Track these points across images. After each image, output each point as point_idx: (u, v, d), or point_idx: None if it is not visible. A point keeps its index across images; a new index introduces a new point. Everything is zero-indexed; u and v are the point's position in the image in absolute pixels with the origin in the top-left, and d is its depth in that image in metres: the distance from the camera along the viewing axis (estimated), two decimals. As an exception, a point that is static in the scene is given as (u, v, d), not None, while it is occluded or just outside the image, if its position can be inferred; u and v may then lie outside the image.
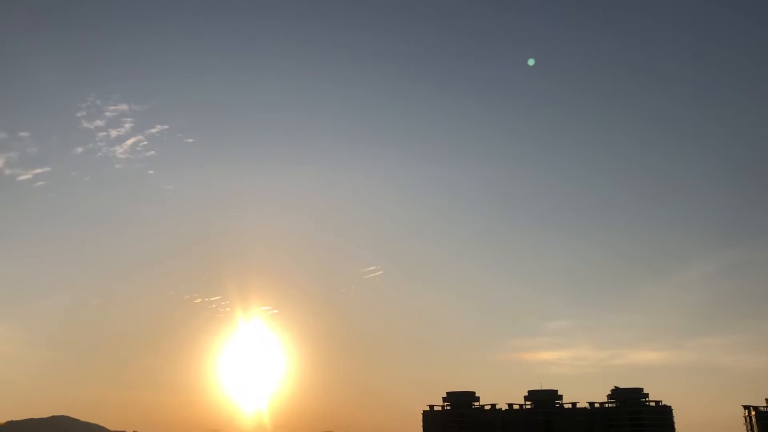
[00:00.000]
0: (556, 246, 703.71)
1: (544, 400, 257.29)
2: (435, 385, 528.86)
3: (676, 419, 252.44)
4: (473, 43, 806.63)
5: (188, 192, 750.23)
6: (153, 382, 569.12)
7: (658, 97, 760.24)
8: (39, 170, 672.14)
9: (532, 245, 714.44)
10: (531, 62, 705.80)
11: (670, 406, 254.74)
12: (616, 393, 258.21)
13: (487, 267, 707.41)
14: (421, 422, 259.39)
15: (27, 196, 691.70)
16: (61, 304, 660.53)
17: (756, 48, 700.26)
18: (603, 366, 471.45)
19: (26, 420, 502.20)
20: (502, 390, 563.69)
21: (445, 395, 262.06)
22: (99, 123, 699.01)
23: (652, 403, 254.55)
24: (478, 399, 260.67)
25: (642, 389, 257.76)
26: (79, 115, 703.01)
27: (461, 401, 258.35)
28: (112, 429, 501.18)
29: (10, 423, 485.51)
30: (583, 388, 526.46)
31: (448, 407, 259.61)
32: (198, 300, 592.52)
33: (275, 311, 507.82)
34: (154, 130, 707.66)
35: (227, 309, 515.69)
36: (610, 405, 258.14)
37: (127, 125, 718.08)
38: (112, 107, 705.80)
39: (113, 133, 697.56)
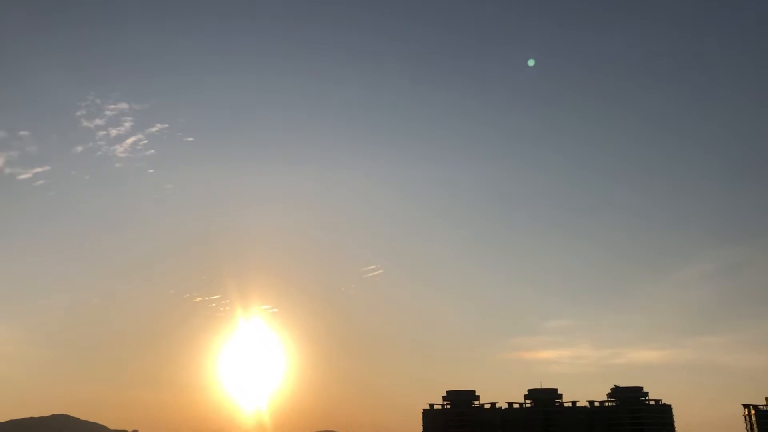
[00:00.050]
0: (556, 245, 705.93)
1: (544, 399, 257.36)
2: (435, 384, 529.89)
3: (675, 418, 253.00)
4: (473, 42, 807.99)
5: (188, 191, 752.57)
6: (153, 381, 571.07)
7: (658, 97, 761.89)
8: (39, 169, 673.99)
9: (532, 244, 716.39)
10: (531, 63, 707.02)
11: (669, 405, 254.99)
12: (616, 392, 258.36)
13: (487, 266, 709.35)
14: (421, 421, 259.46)
15: (27, 195, 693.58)
16: (62, 303, 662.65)
17: (756, 48, 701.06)
18: (603, 365, 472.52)
19: (26, 419, 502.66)
20: (502, 389, 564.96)
21: (445, 394, 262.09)
22: (99, 122, 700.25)
23: (652, 402, 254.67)
24: (478, 398, 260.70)
25: (642, 388, 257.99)
26: (79, 114, 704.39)
27: (461, 400, 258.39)
28: (112, 428, 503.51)
29: (11, 422, 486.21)
30: (583, 387, 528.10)
31: (448, 406, 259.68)
32: (198, 299, 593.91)
33: (275, 310, 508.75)
34: (154, 129, 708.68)
35: (227, 308, 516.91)
36: (610, 404, 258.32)
37: (127, 124, 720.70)
38: (112, 106, 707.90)
39: (113, 132, 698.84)
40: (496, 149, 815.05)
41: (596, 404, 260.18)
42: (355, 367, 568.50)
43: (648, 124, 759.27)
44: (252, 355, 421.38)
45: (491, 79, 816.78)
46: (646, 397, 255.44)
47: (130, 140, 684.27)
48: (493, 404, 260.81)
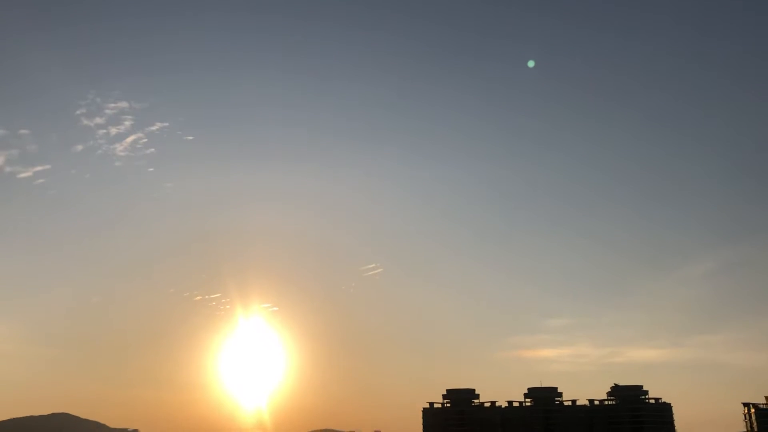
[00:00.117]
0: (556, 243, 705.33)
1: (544, 397, 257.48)
2: (435, 383, 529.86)
3: (675, 417, 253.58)
4: (474, 40, 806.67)
5: (188, 189, 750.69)
6: (153, 380, 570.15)
7: (659, 95, 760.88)
8: (39, 168, 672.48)
9: (532, 243, 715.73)
10: (531, 64, 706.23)
11: (669, 404, 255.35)
12: (616, 390, 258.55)
13: (487, 264, 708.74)
14: (421, 419, 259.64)
15: (27, 194, 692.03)
16: (62, 301, 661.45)
17: (757, 45, 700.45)
18: (603, 363, 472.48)
19: (27, 417, 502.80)
20: (502, 387, 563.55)
21: (445, 392, 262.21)
22: (99, 120, 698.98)
23: (652, 401, 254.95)
24: (478, 396, 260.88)
25: (642, 387, 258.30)
26: (78, 112, 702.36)
27: (461, 399, 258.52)
28: (112, 426, 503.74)
29: (11, 420, 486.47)
30: (583, 386, 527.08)
31: (448, 405, 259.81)
32: (198, 297, 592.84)
33: (275, 308, 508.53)
34: (154, 128, 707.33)
35: (227, 306, 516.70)
36: (609, 402, 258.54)
37: (127, 123, 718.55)
38: (112, 105, 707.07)
39: (113, 130, 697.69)
40: (497, 147, 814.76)
41: (596, 403, 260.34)
42: (355, 365, 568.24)
43: (649, 122, 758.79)
44: (252, 354, 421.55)
45: (492, 78, 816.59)
46: (646, 396, 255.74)
47: (130, 139, 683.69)
48: (493, 403, 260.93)
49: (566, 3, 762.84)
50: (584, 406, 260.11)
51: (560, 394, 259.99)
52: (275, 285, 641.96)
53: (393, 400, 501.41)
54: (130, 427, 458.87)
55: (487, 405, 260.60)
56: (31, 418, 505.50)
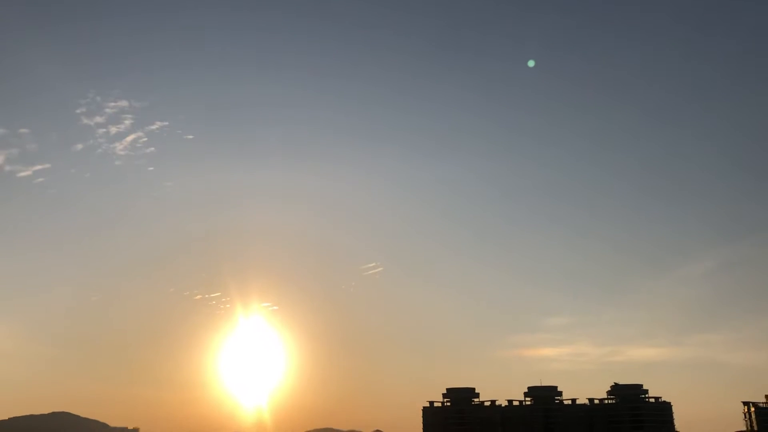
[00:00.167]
0: (556, 242, 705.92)
1: (543, 396, 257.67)
2: (435, 382, 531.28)
3: (675, 415, 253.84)
4: (474, 37, 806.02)
5: (188, 188, 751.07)
6: (153, 379, 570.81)
7: (659, 92, 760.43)
8: (39, 167, 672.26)
9: (532, 241, 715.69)
10: (531, 64, 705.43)
11: (669, 403, 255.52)
12: (616, 389, 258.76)
13: (487, 263, 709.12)
14: (421, 418, 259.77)
15: (27, 193, 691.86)
16: (62, 300, 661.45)
17: (757, 43, 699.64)
18: (603, 362, 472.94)
19: (27, 416, 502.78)
20: (502, 386, 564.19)
21: (445, 391, 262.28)
22: (99, 119, 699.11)
23: (652, 400, 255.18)
24: (478, 395, 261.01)
25: (642, 385, 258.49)
26: (78, 111, 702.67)
27: (461, 397, 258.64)
28: (113, 425, 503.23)
29: (12, 419, 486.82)
30: (583, 385, 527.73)
31: (448, 403, 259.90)
32: (198, 296, 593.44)
33: (275, 308, 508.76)
34: (153, 127, 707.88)
35: (227, 305, 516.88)
36: (609, 401, 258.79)
37: (127, 122, 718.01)
38: (112, 104, 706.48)
39: (113, 129, 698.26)
40: (496, 145, 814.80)
41: (596, 402, 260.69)
42: (355, 364, 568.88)
43: (649, 120, 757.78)
44: (252, 353, 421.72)
45: (492, 75, 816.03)
46: (646, 395, 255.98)
47: (130, 138, 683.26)
48: (493, 402, 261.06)
49: (565, 0, 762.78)
50: (584, 405, 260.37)
51: (560, 393, 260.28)
52: (275, 284, 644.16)
53: (393, 399, 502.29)
54: (131, 426, 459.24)
55: (487, 404, 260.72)
56: (32, 417, 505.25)
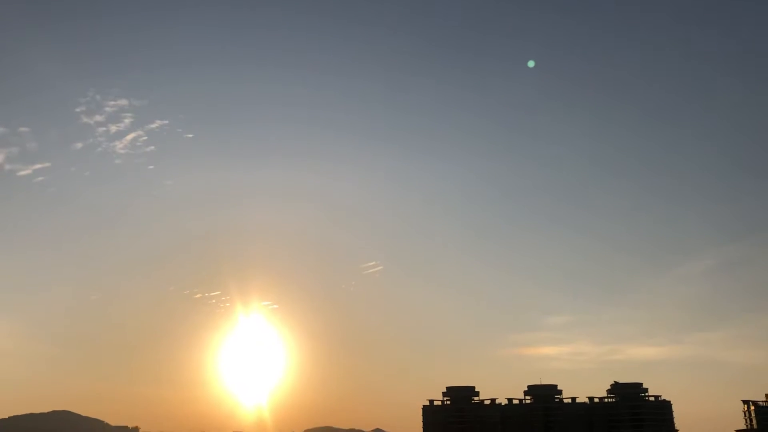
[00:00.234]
0: (556, 241, 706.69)
1: (543, 395, 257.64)
2: (435, 380, 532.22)
3: (675, 414, 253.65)
4: (474, 37, 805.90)
5: (188, 187, 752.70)
6: (153, 377, 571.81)
7: (659, 92, 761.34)
8: (39, 165, 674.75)
9: (532, 240, 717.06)
10: (531, 64, 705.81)
11: (669, 401, 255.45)
12: (616, 388, 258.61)
13: (487, 262, 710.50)
14: (421, 417, 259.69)
15: (27, 192, 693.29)
16: (62, 299, 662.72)
17: (757, 42, 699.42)
18: (602, 361, 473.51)
19: (27, 415, 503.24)
20: (501, 385, 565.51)
21: (445, 390, 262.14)
22: (99, 118, 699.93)
23: (652, 398, 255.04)
24: (477, 394, 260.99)
25: (641, 384, 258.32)
26: (78, 110, 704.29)
27: (461, 396, 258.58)
28: (113, 424, 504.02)
29: (12, 418, 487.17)
30: (583, 383, 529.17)
31: (448, 402, 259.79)
32: (198, 295, 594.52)
33: (275, 306, 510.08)
34: (153, 125, 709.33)
35: (227, 304, 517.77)
36: (609, 400, 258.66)
37: (127, 120, 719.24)
38: (112, 102, 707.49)
39: (113, 128, 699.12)
40: (496, 144, 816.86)
41: (596, 400, 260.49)
42: (354, 363, 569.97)
43: (649, 119, 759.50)
44: (252, 352, 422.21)
45: (491, 74, 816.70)
46: (646, 393, 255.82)
47: (129, 136, 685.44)
48: (492, 400, 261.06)
49: (566, 1, 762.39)
50: (584, 403, 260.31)
51: (560, 392, 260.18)
52: (275, 283, 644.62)
53: (393, 397, 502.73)
54: (131, 424, 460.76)
55: (487, 403, 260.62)
56: (32, 416, 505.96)
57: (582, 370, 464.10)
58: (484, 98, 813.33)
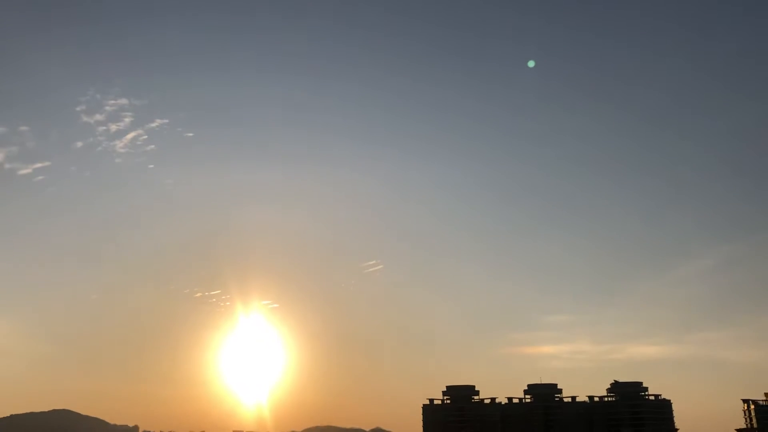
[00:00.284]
0: (556, 241, 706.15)
1: (543, 394, 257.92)
2: (435, 379, 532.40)
3: (675, 413, 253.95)
4: (473, 40, 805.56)
5: (188, 186, 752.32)
6: (154, 376, 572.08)
7: (657, 93, 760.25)
8: (39, 165, 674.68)
9: (532, 240, 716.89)
10: (531, 64, 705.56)
11: (669, 400, 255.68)
12: (616, 387, 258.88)
13: (487, 261, 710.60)
14: (421, 416, 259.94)
15: (27, 191, 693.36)
16: (62, 298, 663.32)
17: (755, 44, 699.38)
18: (602, 360, 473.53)
19: (27, 414, 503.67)
20: (501, 384, 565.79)
21: (445, 389, 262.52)
22: (99, 117, 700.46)
23: (652, 397, 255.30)
24: (478, 393, 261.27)
25: (641, 383, 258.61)
26: (78, 109, 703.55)
27: (461, 395, 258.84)
28: (113, 423, 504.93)
29: (12, 417, 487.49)
30: (583, 383, 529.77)
31: (448, 401, 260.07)
32: (198, 294, 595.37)
33: (275, 305, 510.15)
34: (154, 125, 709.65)
35: (227, 303, 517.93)
36: (609, 399, 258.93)
37: (127, 119, 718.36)
38: (112, 101, 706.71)
39: (113, 127, 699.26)
40: (496, 146, 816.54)
41: (596, 399, 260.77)
42: (354, 362, 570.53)
43: (647, 121, 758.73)
44: (252, 351, 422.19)
45: (491, 77, 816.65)
46: (646, 392, 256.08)
47: (130, 136, 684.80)
48: (492, 399, 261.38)
49: (565, 3, 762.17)
50: (584, 402, 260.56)
51: (560, 391, 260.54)
52: (275, 282, 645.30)
53: (393, 396, 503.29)
54: (131, 423, 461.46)
55: (487, 402, 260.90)
56: (32, 414, 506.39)
57: (582, 369, 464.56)
58: (484, 102, 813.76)
